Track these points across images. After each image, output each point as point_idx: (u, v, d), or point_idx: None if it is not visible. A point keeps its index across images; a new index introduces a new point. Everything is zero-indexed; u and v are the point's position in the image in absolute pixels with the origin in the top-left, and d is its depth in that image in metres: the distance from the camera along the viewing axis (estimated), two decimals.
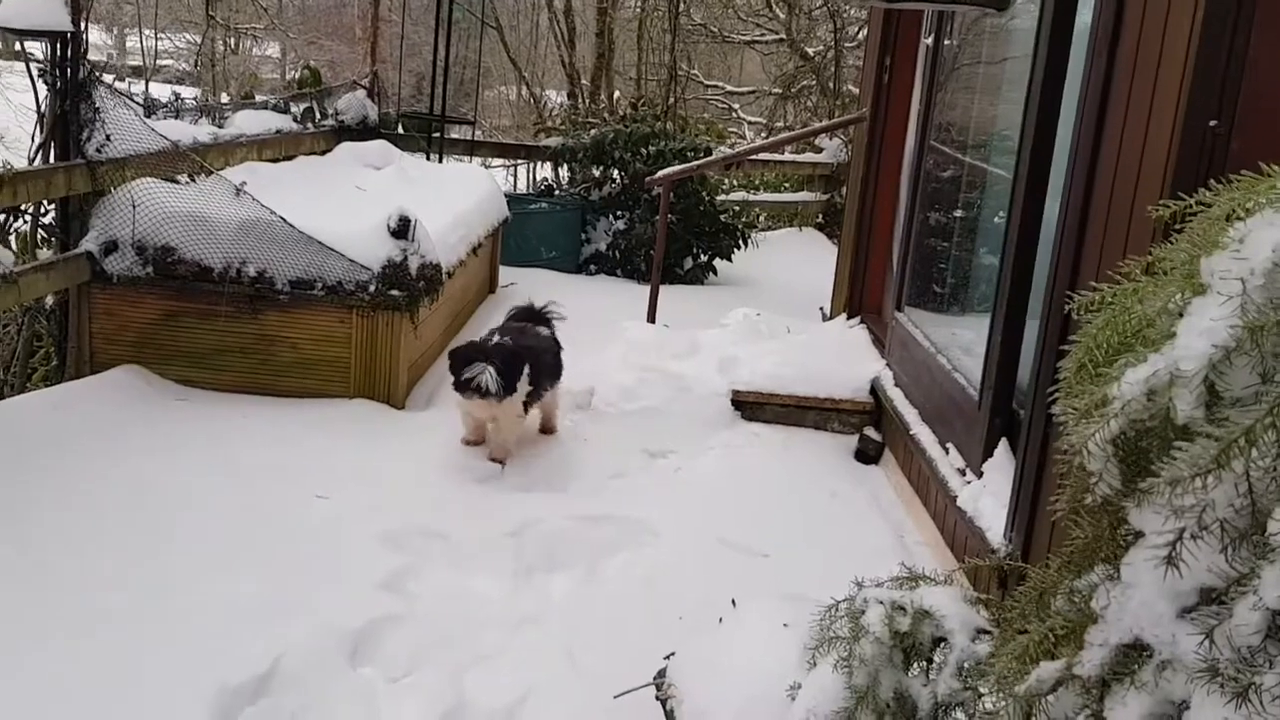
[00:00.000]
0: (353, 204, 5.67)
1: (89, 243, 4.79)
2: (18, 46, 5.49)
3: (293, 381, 4.92)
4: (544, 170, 10.12)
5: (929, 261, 4.79)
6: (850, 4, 12.05)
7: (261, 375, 4.92)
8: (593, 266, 8.85)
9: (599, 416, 4.98)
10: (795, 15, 13.51)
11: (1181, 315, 1.20)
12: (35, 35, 4.57)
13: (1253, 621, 1.10)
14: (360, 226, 4.94)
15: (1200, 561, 1.11)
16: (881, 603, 1.90)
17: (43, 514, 3.49)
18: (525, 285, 7.54)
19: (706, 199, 8.80)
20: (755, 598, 2.68)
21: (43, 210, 5.13)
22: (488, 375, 4.08)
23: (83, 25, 4.70)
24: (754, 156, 9.63)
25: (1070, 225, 2.84)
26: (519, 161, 10.58)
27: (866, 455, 4.77)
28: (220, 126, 6.20)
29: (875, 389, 4.87)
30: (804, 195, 11.23)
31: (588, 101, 12.84)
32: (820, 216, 11.11)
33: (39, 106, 4.80)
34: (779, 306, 6.82)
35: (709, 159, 8.17)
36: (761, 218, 11.00)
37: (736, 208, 9.40)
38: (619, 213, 8.87)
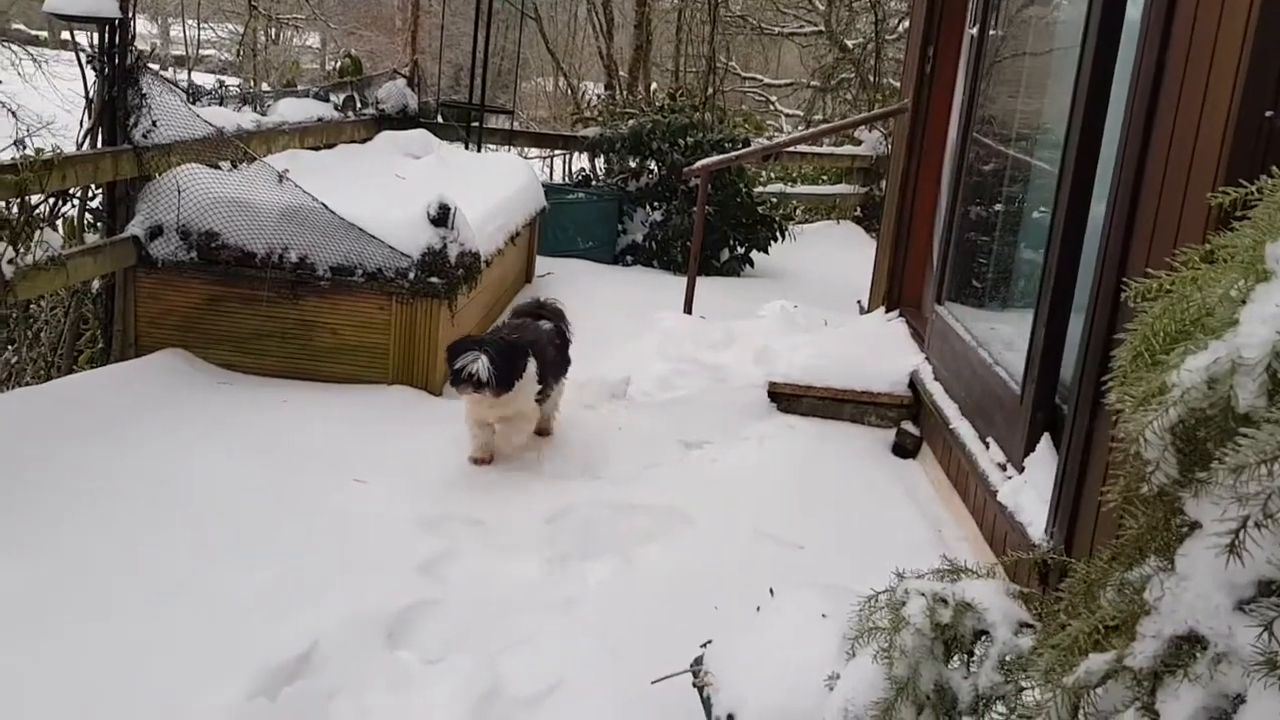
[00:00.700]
0: (392, 192, 5.70)
1: (135, 227, 4.86)
2: (64, 35, 5.57)
3: (332, 367, 4.97)
4: (581, 160, 10.13)
5: (970, 255, 4.73)
6: None
7: (301, 360, 4.97)
8: (629, 257, 8.84)
9: (634, 406, 4.98)
10: (835, 7, 13.42)
11: (1244, 302, 1.18)
12: (84, 21, 4.63)
13: None
14: (400, 214, 4.97)
15: (1262, 551, 1.09)
16: (923, 594, 1.88)
17: (84, 493, 3.54)
18: (561, 275, 7.56)
19: (744, 191, 8.75)
20: (793, 588, 2.67)
21: (90, 194, 5.21)
22: (481, 364, 3.86)
23: (130, 12, 4.76)
24: (793, 148, 9.57)
25: (1119, 218, 2.79)
26: (556, 152, 10.61)
27: (904, 449, 4.73)
28: (263, 114, 6.26)
29: (914, 383, 4.83)
30: (842, 188, 11.16)
31: (625, 93, 12.83)
32: (858, 209, 11.04)
33: (87, 92, 4.87)
34: (816, 299, 6.79)
35: (748, 150, 8.12)
36: (799, 210, 10.95)
37: (774, 200, 9.35)
38: (655, 204, 8.86)
